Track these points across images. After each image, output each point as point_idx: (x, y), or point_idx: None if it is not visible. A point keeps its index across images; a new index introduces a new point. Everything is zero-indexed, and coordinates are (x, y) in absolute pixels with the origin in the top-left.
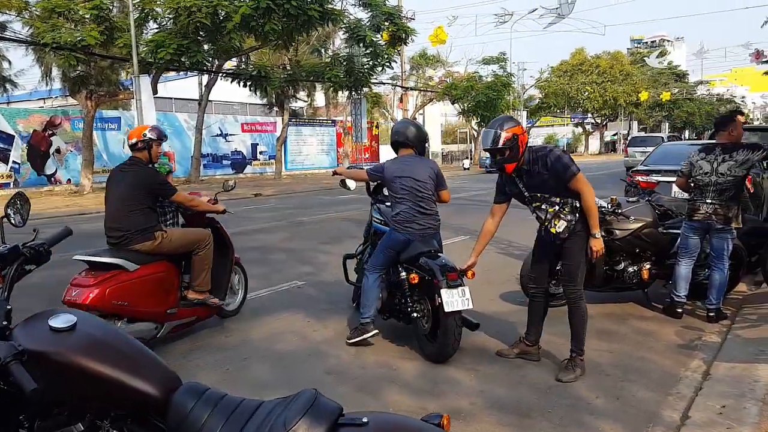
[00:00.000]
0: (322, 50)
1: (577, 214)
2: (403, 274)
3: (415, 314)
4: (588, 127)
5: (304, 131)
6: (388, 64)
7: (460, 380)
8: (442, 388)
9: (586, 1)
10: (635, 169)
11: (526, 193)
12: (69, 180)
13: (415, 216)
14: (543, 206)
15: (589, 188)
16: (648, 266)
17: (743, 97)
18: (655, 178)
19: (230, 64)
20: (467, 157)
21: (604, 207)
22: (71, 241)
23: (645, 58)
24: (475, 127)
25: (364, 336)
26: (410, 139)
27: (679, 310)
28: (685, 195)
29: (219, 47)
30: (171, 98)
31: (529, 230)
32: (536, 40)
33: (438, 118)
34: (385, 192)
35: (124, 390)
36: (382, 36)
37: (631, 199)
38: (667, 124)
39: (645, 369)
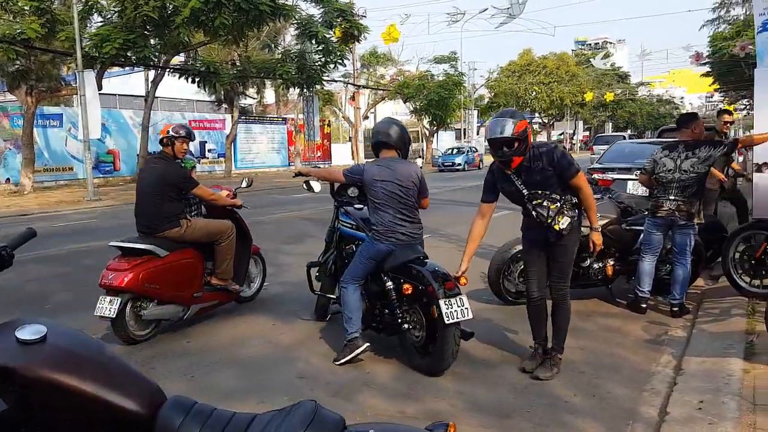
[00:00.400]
0: (273, 46)
1: (577, 210)
2: (390, 283)
3: (405, 326)
4: (535, 126)
5: (255, 129)
6: (340, 61)
7: (436, 382)
8: (418, 390)
9: (536, 2)
10: (591, 167)
11: (524, 191)
12: (8, 179)
13: (398, 224)
14: (545, 203)
15: (588, 185)
16: (612, 263)
17: (682, 98)
18: (610, 175)
19: (177, 60)
20: (419, 156)
21: None
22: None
23: (591, 60)
24: (427, 126)
25: (355, 353)
26: (393, 140)
27: (644, 306)
28: (641, 191)
29: (167, 42)
30: (115, 94)
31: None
32: (487, 39)
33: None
34: (350, 193)
35: (103, 406)
36: (334, 33)
37: (595, 197)
38: (610, 124)
39: (616, 365)
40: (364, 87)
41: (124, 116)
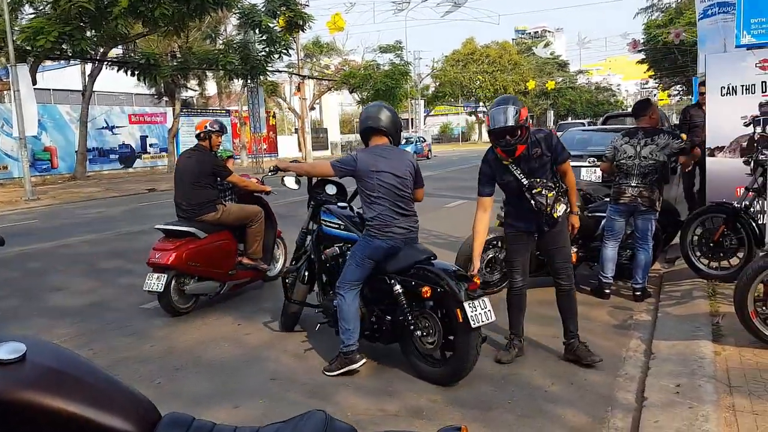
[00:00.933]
0: (215, 37)
1: (565, 196)
2: (398, 287)
3: (418, 332)
4: (480, 115)
5: (197, 122)
6: (285, 51)
7: (414, 378)
8: (397, 387)
9: None
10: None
11: (524, 181)
12: None
13: (394, 219)
14: (543, 192)
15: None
16: (575, 249)
17: (618, 85)
18: None
19: (115, 52)
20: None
21: None
22: None
23: (533, 48)
24: None
25: (352, 366)
26: (385, 126)
27: (607, 291)
28: (595, 178)
29: (104, 34)
30: (50, 89)
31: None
32: (432, 29)
33: (335, 107)
34: (328, 191)
35: (93, 429)
36: (278, 22)
37: None
38: (552, 112)
39: None
40: (309, 77)
41: (60, 112)
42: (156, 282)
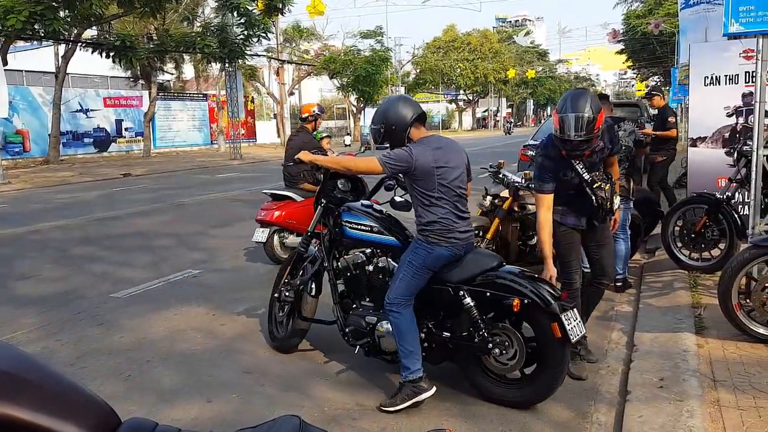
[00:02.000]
0: (192, 19)
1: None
2: (469, 300)
3: (497, 350)
4: (460, 103)
5: (174, 106)
6: (264, 34)
7: (393, 370)
8: (376, 381)
9: None
10: (526, 144)
11: (586, 176)
12: None
13: (455, 222)
14: (601, 185)
15: None
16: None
17: (597, 75)
18: None
19: (90, 33)
20: (348, 134)
21: (518, 182)
22: None
23: (513, 37)
24: (354, 103)
25: (422, 397)
26: (423, 115)
27: (629, 282)
28: None
29: (78, 14)
30: (22, 70)
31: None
32: (413, 15)
33: (315, 93)
34: (341, 186)
35: None
36: (257, 5)
37: None
38: (531, 101)
39: None
40: (289, 62)
41: (32, 94)
42: (261, 234)
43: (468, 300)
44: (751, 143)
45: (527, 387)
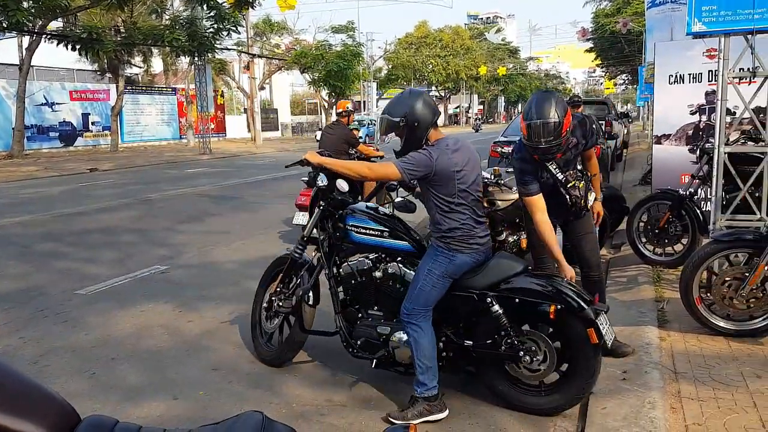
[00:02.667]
0: (161, 11)
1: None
2: (497, 307)
3: (528, 357)
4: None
5: (142, 100)
6: (234, 28)
7: (362, 366)
8: (344, 377)
9: None
10: (496, 140)
11: (560, 176)
12: None
13: (475, 227)
14: (576, 184)
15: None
16: (526, 236)
17: (567, 73)
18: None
19: (55, 25)
20: (319, 129)
21: (487, 178)
22: None
23: (485, 34)
24: (326, 98)
25: (432, 417)
26: (439, 116)
27: None
28: None
29: (42, 5)
30: None
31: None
32: (384, 10)
33: (286, 87)
34: (340, 187)
35: None
36: None
37: (509, 170)
38: (503, 98)
39: None
40: (259, 56)
41: None
42: (301, 218)
43: (496, 307)
44: (713, 141)
45: (557, 393)
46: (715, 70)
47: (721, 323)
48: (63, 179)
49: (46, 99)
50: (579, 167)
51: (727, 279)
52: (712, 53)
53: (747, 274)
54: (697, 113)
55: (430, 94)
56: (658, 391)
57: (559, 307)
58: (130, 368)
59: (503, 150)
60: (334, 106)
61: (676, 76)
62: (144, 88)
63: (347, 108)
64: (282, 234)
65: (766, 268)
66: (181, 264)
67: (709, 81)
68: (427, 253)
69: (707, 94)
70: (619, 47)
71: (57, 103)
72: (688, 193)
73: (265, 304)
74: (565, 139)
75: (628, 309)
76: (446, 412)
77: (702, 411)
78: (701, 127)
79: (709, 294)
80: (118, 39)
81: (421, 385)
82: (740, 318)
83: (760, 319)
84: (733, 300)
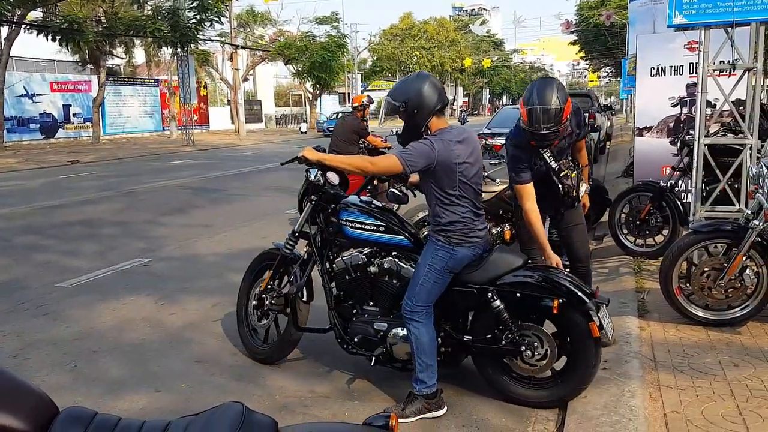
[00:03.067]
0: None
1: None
2: (498, 302)
3: (528, 351)
4: None
5: (124, 91)
6: (217, 19)
7: (344, 358)
8: (327, 368)
9: None
10: (480, 132)
11: (553, 164)
12: None
13: (474, 221)
14: (568, 173)
15: None
16: (509, 227)
17: (551, 65)
18: (499, 140)
19: (35, 15)
20: (303, 121)
21: None
22: None
23: (470, 26)
24: (310, 90)
25: (436, 414)
26: (446, 104)
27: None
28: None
29: None
30: None
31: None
32: (369, 1)
33: (270, 79)
34: (331, 179)
35: None
36: None
37: (493, 162)
38: (487, 90)
39: None
40: (242, 47)
41: None
42: None
43: (497, 302)
44: (693, 133)
45: (557, 386)
46: (697, 63)
47: (700, 313)
48: (44, 171)
49: (26, 90)
50: (570, 157)
51: (705, 269)
52: (693, 46)
53: (725, 265)
54: (679, 105)
55: None
56: (637, 380)
57: (561, 300)
58: (112, 361)
59: (487, 142)
60: (350, 100)
61: (657, 68)
62: (126, 79)
63: (362, 102)
64: (265, 226)
65: (744, 258)
66: (164, 256)
67: (690, 73)
68: (426, 249)
69: (688, 86)
70: (602, 40)
71: (37, 95)
72: (668, 184)
73: (254, 302)
74: (564, 126)
75: (610, 299)
76: (444, 410)
77: (680, 399)
78: (682, 119)
79: (688, 284)
80: (99, 29)
81: (420, 382)
82: (718, 308)
83: (738, 308)
84: (712, 290)
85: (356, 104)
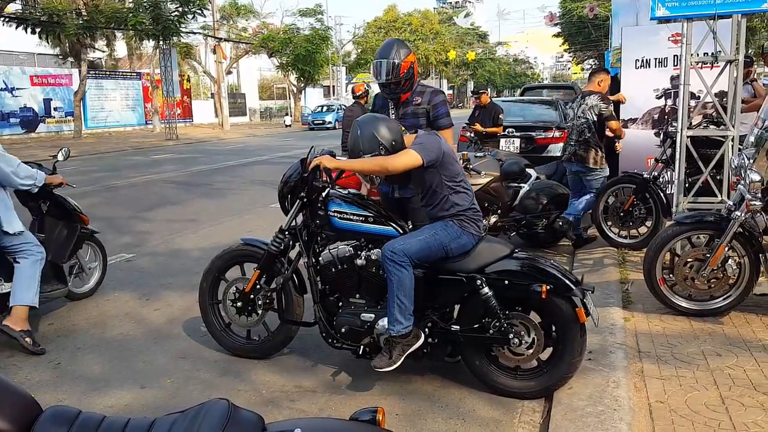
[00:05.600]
0: None
1: None
2: (487, 289)
3: (516, 340)
4: None
5: (106, 85)
6: (199, 11)
7: (330, 352)
8: (313, 362)
9: None
10: (466, 124)
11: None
12: None
13: (477, 210)
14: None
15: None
16: (494, 219)
17: (535, 58)
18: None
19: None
20: (288, 114)
21: None
22: None
23: (454, 18)
24: (294, 83)
25: (416, 345)
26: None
27: (585, 236)
28: (512, 149)
29: None
30: None
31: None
32: None
33: (254, 72)
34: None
35: None
36: None
37: (478, 154)
38: (472, 82)
39: None
40: (225, 40)
41: None
42: None
43: (486, 290)
44: (676, 125)
45: (543, 376)
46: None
47: (683, 303)
48: None
49: (5, 84)
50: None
51: (688, 260)
52: (677, 38)
53: (708, 255)
54: (663, 97)
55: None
56: (622, 371)
57: (549, 287)
58: (96, 358)
59: (471, 135)
60: (352, 89)
61: (642, 60)
62: (108, 72)
63: (363, 89)
64: (250, 220)
65: (726, 249)
66: (148, 252)
67: (674, 65)
68: (435, 222)
69: (672, 78)
70: (586, 32)
71: (17, 88)
72: (652, 176)
73: (231, 297)
74: (405, 80)
75: (595, 287)
76: (423, 337)
77: (664, 389)
78: (666, 111)
79: (671, 275)
80: (80, 22)
81: (398, 323)
82: (701, 298)
83: (721, 298)
84: (695, 280)
85: (359, 93)
